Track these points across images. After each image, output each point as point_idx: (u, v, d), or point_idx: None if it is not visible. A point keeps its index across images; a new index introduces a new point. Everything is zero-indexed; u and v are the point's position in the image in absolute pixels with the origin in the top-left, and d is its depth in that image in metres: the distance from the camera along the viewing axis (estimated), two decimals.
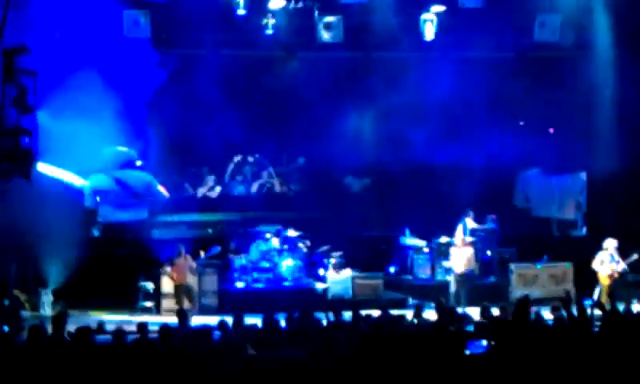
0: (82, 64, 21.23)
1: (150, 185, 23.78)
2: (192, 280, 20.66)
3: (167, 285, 21.02)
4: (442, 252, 22.88)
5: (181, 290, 20.16)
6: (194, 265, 20.67)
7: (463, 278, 21.11)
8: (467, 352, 8.61)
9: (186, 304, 19.77)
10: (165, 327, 12.29)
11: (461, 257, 21.28)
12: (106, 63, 21.58)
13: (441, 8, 22.88)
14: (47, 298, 20.92)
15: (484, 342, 9.89)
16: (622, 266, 20.05)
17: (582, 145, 24.50)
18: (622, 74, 22.83)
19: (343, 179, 26.28)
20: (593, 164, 24.44)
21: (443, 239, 23.11)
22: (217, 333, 13.02)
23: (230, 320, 13.62)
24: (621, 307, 15.98)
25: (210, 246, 22.02)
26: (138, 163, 23.53)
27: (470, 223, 23.35)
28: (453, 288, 21.18)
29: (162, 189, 24.00)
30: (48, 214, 21.80)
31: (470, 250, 21.51)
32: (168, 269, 20.44)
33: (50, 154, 22.44)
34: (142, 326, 13.69)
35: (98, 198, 23.20)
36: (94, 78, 21.03)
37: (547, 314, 14.34)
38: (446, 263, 21.93)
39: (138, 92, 22.80)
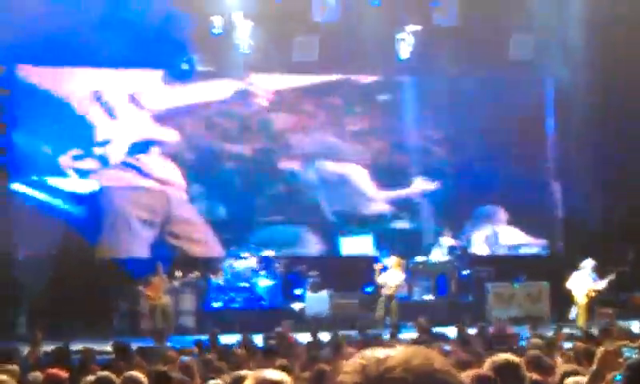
0: None
1: None
2: (167, 300, 20.50)
3: (144, 305, 20.89)
4: (420, 271, 22.88)
5: (156, 310, 19.98)
6: (170, 284, 20.53)
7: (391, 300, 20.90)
8: None
9: (162, 324, 19.64)
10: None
11: (394, 278, 21.16)
12: None
13: (416, 27, 23.09)
14: (22, 319, 20.77)
15: None
16: (598, 285, 20.06)
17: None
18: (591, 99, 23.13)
19: None
20: (568, 183, 24.70)
21: (420, 258, 23.11)
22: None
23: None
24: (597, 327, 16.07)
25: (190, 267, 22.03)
26: None
27: (448, 241, 23.36)
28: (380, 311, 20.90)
29: None
30: (23, 233, 21.74)
31: (402, 275, 21.29)
32: (143, 288, 20.27)
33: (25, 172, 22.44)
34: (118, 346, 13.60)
35: None
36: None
37: None
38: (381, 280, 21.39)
39: None
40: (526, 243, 24.82)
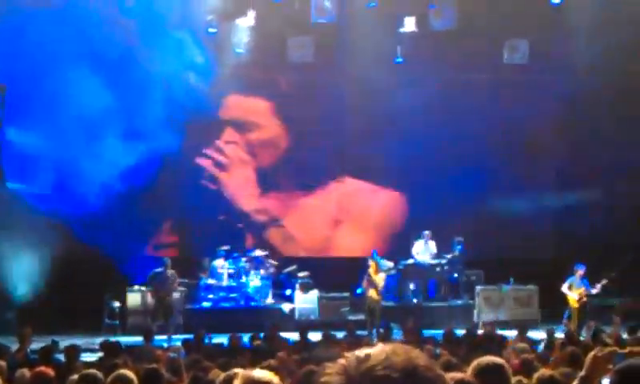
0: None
1: None
2: (173, 297, 20.33)
3: (133, 302, 20.82)
4: (410, 273, 22.86)
5: (161, 306, 19.75)
6: (178, 281, 20.33)
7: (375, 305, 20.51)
8: None
9: (162, 321, 19.52)
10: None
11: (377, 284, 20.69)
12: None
13: (412, 29, 23.11)
14: (12, 315, 20.71)
15: None
16: (591, 290, 20.03)
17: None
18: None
19: None
20: (561, 188, 24.76)
21: (410, 261, 23.08)
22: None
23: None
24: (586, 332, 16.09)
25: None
26: None
27: (420, 246, 23.08)
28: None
29: None
30: (13, 232, 21.61)
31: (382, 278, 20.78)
32: (153, 284, 19.92)
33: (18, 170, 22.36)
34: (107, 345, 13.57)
35: None
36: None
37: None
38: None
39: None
40: None
